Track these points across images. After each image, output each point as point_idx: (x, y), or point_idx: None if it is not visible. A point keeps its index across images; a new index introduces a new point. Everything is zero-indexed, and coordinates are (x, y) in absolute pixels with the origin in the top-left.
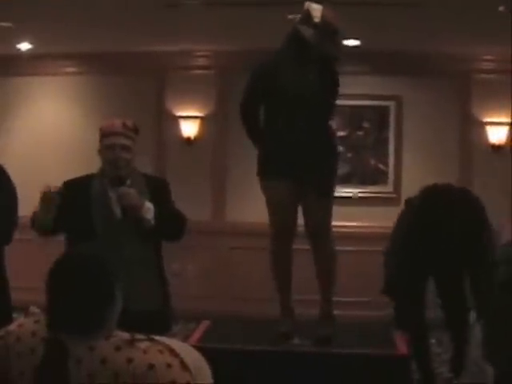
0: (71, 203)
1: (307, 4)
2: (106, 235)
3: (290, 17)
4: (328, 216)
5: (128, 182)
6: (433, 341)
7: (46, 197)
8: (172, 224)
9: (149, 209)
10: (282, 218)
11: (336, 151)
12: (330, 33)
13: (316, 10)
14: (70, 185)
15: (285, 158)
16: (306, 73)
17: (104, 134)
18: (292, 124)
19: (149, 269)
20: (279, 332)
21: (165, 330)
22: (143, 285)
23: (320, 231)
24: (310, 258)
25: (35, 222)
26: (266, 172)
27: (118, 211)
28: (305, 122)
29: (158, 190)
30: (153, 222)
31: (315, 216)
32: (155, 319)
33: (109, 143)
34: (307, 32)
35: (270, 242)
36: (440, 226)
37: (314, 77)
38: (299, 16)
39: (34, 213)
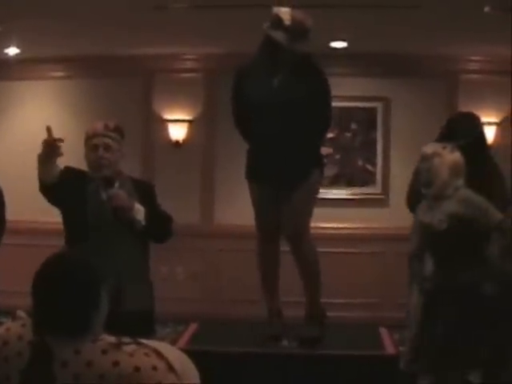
0: (69, 187)
1: (275, 9)
2: (99, 236)
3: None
4: (301, 217)
5: (116, 184)
6: None
7: (48, 144)
8: (160, 225)
9: (139, 210)
10: (263, 221)
11: (314, 155)
12: (302, 32)
13: (285, 13)
14: (70, 171)
15: (262, 162)
16: (274, 77)
17: (87, 137)
18: (263, 130)
19: (139, 270)
20: (268, 334)
21: (151, 332)
22: (133, 286)
23: (294, 233)
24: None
25: (39, 175)
26: (249, 175)
27: (109, 213)
28: (275, 127)
29: (145, 192)
30: (143, 223)
31: (288, 218)
32: (143, 321)
33: (91, 145)
34: (279, 36)
35: (257, 244)
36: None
37: (283, 80)
38: (268, 22)
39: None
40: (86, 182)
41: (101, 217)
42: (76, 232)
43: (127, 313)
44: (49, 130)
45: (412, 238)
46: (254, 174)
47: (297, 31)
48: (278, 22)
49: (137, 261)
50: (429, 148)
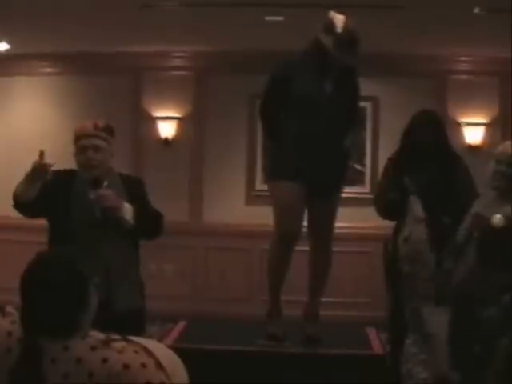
0: (53, 193)
1: (331, 14)
2: (87, 236)
3: (266, 18)
4: (334, 220)
5: (105, 183)
6: (409, 341)
7: (38, 167)
8: (150, 222)
9: (127, 209)
10: (290, 220)
11: (348, 159)
12: (350, 43)
13: (339, 20)
14: (53, 175)
15: (298, 162)
16: (324, 81)
17: (76, 137)
18: (308, 130)
19: (128, 269)
20: (269, 333)
21: (142, 330)
22: (124, 284)
23: (325, 234)
24: (295, 259)
25: (17, 192)
26: (279, 173)
27: (97, 213)
28: (320, 129)
29: (135, 188)
30: (132, 222)
31: (322, 222)
32: (133, 320)
33: (81, 145)
34: (328, 41)
35: (273, 244)
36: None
37: (332, 86)
38: (322, 25)
39: (17, 186)
40: (75, 181)
41: (89, 217)
42: (63, 233)
43: (116, 312)
44: (42, 154)
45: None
46: (288, 174)
47: (346, 41)
48: (329, 27)
49: (125, 260)
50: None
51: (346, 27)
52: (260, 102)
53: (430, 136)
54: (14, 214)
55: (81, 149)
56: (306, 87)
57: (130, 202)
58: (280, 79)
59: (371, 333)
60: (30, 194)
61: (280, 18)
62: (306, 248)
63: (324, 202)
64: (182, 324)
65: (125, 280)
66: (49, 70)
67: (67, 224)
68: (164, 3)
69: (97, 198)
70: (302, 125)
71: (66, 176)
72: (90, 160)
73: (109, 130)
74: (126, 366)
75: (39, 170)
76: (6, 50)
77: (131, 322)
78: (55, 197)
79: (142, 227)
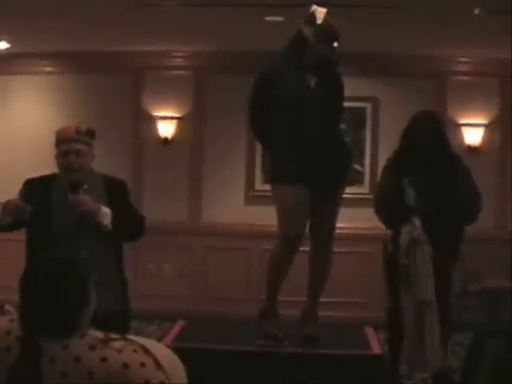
0: (32, 203)
1: (313, 7)
2: (66, 239)
3: (266, 18)
4: (335, 220)
5: (85, 186)
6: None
7: (15, 207)
8: (130, 226)
9: (105, 214)
10: (293, 221)
11: (349, 155)
12: (330, 36)
13: (320, 13)
14: (32, 183)
15: (298, 164)
16: (306, 75)
17: (58, 141)
18: (297, 123)
19: (109, 271)
20: (268, 333)
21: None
22: (100, 288)
23: (326, 234)
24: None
25: None
26: (280, 176)
27: (76, 216)
28: (308, 123)
29: (116, 191)
30: (110, 226)
31: (325, 221)
32: (114, 322)
33: (62, 150)
34: (308, 32)
35: (277, 246)
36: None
37: (315, 80)
38: (303, 18)
39: None
40: (51, 187)
41: (67, 221)
42: (43, 236)
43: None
44: (21, 193)
45: None
46: (288, 177)
47: (325, 33)
48: (311, 19)
49: (105, 263)
50: None
51: (326, 20)
52: (248, 108)
53: (429, 137)
54: None
55: (63, 153)
56: (290, 83)
57: (111, 204)
58: (264, 82)
59: (370, 333)
60: (4, 222)
61: (280, 19)
62: (306, 249)
63: (325, 202)
64: (180, 323)
65: (101, 284)
66: (49, 69)
67: (47, 228)
68: (164, 3)
69: (74, 202)
70: (291, 120)
71: (46, 180)
72: (72, 164)
73: (90, 134)
74: (125, 365)
75: (15, 210)
76: (7, 49)
77: (110, 326)
78: (35, 203)
79: (122, 231)
